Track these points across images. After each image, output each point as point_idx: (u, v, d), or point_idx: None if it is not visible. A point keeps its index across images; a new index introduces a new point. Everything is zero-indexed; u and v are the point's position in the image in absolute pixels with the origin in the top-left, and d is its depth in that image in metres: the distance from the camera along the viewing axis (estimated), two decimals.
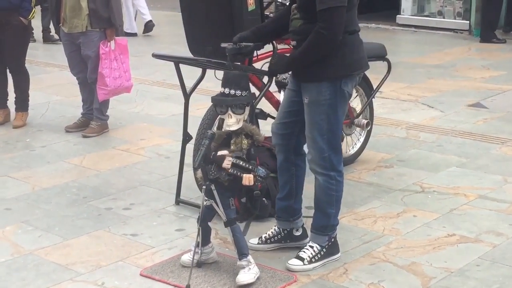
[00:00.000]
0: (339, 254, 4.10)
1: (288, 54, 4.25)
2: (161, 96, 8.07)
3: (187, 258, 4.07)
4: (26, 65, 7.01)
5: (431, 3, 12.13)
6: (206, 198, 3.87)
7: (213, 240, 4.22)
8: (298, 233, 4.27)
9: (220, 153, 3.89)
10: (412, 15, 12.27)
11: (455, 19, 11.76)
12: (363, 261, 4.10)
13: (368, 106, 5.71)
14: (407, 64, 9.36)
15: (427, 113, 7.16)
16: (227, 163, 3.84)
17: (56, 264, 4.17)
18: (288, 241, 4.27)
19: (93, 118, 6.69)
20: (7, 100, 7.07)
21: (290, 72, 4.41)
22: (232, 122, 3.88)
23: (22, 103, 6.99)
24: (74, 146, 6.35)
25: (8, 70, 6.96)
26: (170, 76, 8.81)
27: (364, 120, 5.57)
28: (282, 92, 5.15)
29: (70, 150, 6.23)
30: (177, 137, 6.48)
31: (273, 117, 5.25)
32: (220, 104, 3.90)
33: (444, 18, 11.89)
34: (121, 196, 5.18)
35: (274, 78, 4.63)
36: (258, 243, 4.27)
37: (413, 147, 6.10)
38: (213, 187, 3.85)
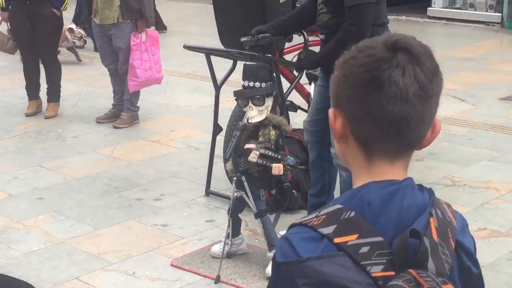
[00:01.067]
0: None
1: (313, 49, 4.27)
2: (191, 88, 8.09)
3: (217, 249, 4.09)
4: (59, 56, 7.08)
5: None
6: (237, 190, 3.89)
7: (243, 231, 4.24)
8: None
9: (247, 146, 3.90)
10: (443, 8, 12.16)
11: (487, 11, 11.64)
12: None
13: None
14: (438, 57, 9.01)
15: (458, 106, 7.10)
16: (253, 157, 3.84)
17: (87, 253, 4.22)
18: None
19: (123, 109, 6.73)
20: (39, 91, 7.14)
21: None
22: (254, 114, 3.89)
23: (54, 94, 7.05)
24: (105, 136, 6.40)
25: (40, 61, 7.02)
26: (199, 67, 8.83)
27: None
28: (312, 84, 5.16)
29: (101, 141, 6.28)
30: (207, 129, 6.51)
31: (303, 109, 5.26)
32: (240, 97, 3.93)
33: (475, 10, 11.76)
34: (152, 187, 5.21)
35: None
36: None
37: (444, 141, 6.05)
38: (243, 178, 3.86)
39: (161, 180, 5.35)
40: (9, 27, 6.92)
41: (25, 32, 6.73)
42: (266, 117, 3.91)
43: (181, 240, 4.37)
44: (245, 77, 3.90)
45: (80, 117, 6.98)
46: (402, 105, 1.24)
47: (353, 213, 1.24)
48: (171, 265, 4.05)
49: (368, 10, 3.67)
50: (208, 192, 5.02)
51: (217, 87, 4.93)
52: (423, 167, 5.44)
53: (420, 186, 1.33)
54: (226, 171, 4.41)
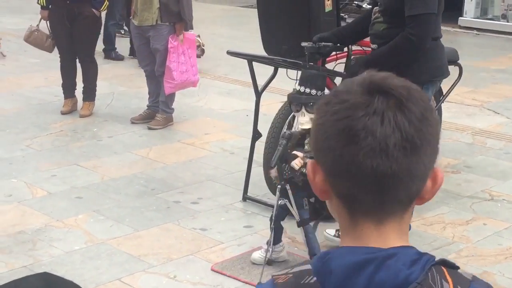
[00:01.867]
0: None
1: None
2: (223, 91, 8.12)
3: (257, 255, 4.11)
4: None
5: (495, 6, 11.96)
6: (281, 198, 3.90)
7: (282, 239, 4.25)
8: None
9: (295, 152, 3.92)
10: (474, 18, 12.11)
11: (508, 21, 11.59)
12: None
13: (437, 110, 5.67)
14: (470, 68, 9.23)
15: (493, 119, 7.08)
16: (296, 163, 3.86)
17: (128, 254, 4.25)
18: None
19: (158, 111, 6.77)
20: (75, 89, 7.20)
21: None
22: (305, 120, 3.91)
23: (90, 93, 7.11)
24: (140, 137, 6.45)
25: (77, 60, 7.08)
26: (231, 71, 8.87)
27: None
28: None
29: (136, 142, 6.33)
30: (241, 133, 6.55)
31: None
32: (295, 101, 3.94)
33: (508, 21, 11.71)
34: (188, 190, 5.24)
35: None
36: (335, 235, 4.28)
37: (480, 153, 6.04)
38: (287, 186, 3.88)
39: (197, 183, 5.38)
40: (49, 26, 6.97)
41: (64, 31, 6.80)
42: None
43: (220, 245, 4.39)
44: (303, 83, 3.93)
45: (114, 117, 7.02)
46: (381, 159, 1.06)
47: (313, 279, 1.09)
48: (212, 270, 4.07)
49: (429, 21, 3.68)
50: (245, 198, 5.04)
51: (258, 93, 4.95)
52: (460, 180, 5.43)
53: (417, 257, 1.09)
54: (268, 178, 4.44)
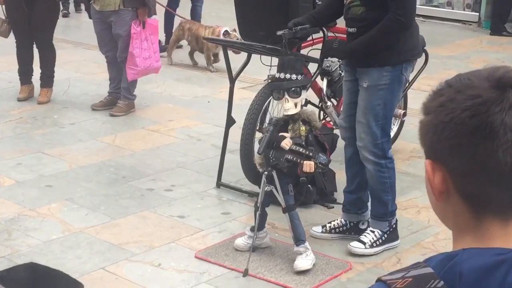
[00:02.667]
0: (398, 241, 4.16)
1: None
2: (181, 77, 8.05)
3: (241, 242, 4.12)
4: None
5: None
6: (267, 184, 3.91)
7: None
8: (363, 227, 4.27)
9: (281, 134, 3.92)
10: (420, 5, 12.29)
11: (464, 10, 11.83)
12: (414, 251, 4.17)
13: (403, 97, 5.75)
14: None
15: None
16: (286, 143, 3.86)
17: (108, 243, 4.20)
18: (352, 233, 4.28)
19: (120, 97, 6.68)
20: (32, 75, 7.04)
21: (339, 60, 4.44)
22: (290, 106, 3.91)
23: (48, 79, 6.96)
24: (103, 124, 6.35)
25: (34, 46, 6.92)
26: (186, 57, 8.81)
27: (400, 110, 5.62)
28: (324, 80, 5.20)
29: (100, 129, 6.23)
30: (205, 119, 6.53)
31: (314, 104, 5.30)
32: (277, 89, 3.94)
33: (453, 9, 11.95)
34: (160, 177, 5.20)
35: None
36: (322, 232, 4.29)
37: None
38: (274, 173, 3.89)
39: (168, 170, 5.34)
40: (4, 10, 6.79)
41: (22, 16, 6.62)
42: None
43: (200, 232, 4.38)
44: (282, 69, 3.92)
45: (73, 104, 6.90)
46: None
47: (441, 283, 1.04)
48: (196, 257, 4.06)
49: (414, 0, 3.76)
50: (219, 184, 5.03)
51: (232, 80, 4.93)
52: None
53: None
54: (248, 164, 4.43)
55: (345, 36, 4.88)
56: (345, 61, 4.18)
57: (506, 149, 1.04)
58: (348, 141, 4.19)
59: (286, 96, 3.91)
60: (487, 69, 1.11)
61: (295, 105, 3.91)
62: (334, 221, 4.34)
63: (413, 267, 1.09)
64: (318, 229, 4.30)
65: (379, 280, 1.11)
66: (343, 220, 4.31)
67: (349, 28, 4.07)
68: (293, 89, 3.89)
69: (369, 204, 4.31)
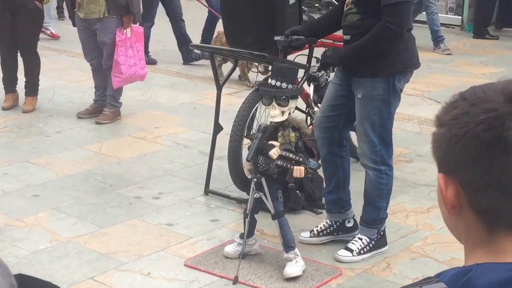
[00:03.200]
0: (386, 247, 4.17)
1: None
2: (167, 84, 8.04)
3: (230, 249, 4.11)
4: None
5: None
6: (256, 191, 3.91)
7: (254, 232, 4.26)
8: (350, 225, 4.30)
9: (271, 142, 3.92)
10: None
11: (447, 14, 11.89)
12: (403, 256, 4.18)
13: None
14: None
15: (436, 108, 7.06)
16: (274, 153, 3.86)
17: (97, 252, 4.18)
18: (340, 233, 4.30)
19: (106, 105, 6.66)
20: (17, 84, 7.00)
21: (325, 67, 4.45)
22: (276, 113, 3.92)
23: (33, 88, 6.92)
24: (89, 132, 6.32)
25: (19, 54, 6.88)
26: (171, 63, 8.80)
27: None
28: (311, 85, 5.21)
29: (86, 137, 6.21)
30: (192, 126, 6.52)
31: (301, 110, 5.31)
32: (265, 95, 3.95)
33: None
34: (148, 185, 5.18)
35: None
36: (310, 236, 4.30)
37: (429, 142, 6.05)
38: (263, 180, 3.89)
39: (156, 178, 5.32)
40: None
41: (5, 24, 6.58)
42: (286, 118, 3.94)
43: (189, 239, 4.36)
44: (274, 76, 3.92)
45: (59, 112, 6.86)
46: None
47: None
48: (185, 265, 4.04)
49: (407, 9, 3.74)
50: (208, 191, 5.01)
51: (219, 86, 4.92)
52: (414, 169, 5.55)
53: None
54: (236, 171, 4.43)
55: (330, 41, 4.92)
56: (339, 68, 4.18)
57: None
58: (322, 142, 4.19)
59: (274, 103, 3.91)
60: (502, 82, 1.11)
61: (282, 113, 3.92)
62: (320, 224, 4.35)
63: (425, 282, 1.08)
64: (306, 234, 4.31)
65: None
66: (328, 221, 4.33)
67: (344, 36, 4.07)
68: (282, 97, 3.89)
69: (356, 202, 4.34)
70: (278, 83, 3.92)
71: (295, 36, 4.05)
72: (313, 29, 4.14)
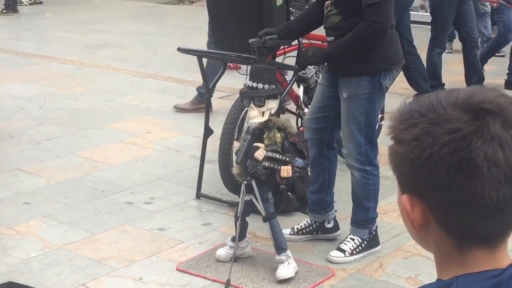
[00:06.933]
0: (379, 247, 4.16)
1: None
2: (157, 89, 8.03)
3: (222, 252, 4.09)
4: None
5: None
6: (246, 194, 3.89)
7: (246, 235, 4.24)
8: (329, 225, 4.33)
9: (256, 144, 3.91)
10: None
11: (426, 12, 11.90)
12: (396, 255, 4.17)
13: None
14: None
15: None
16: (259, 154, 3.85)
17: (89, 259, 4.16)
18: (319, 233, 4.33)
19: None
20: None
21: (315, 67, 4.44)
22: (255, 114, 3.91)
23: None
24: (80, 139, 6.30)
25: None
26: (162, 68, 8.80)
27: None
28: (301, 87, 5.20)
29: (77, 143, 6.18)
30: (183, 130, 6.51)
31: (291, 111, 5.30)
32: (242, 97, 3.95)
33: (426, 12, 12.01)
34: (139, 190, 5.16)
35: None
36: (290, 234, 4.32)
37: None
38: (253, 182, 3.87)
39: (147, 183, 5.30)
40: None
41: None
42: (270, 119, 3.93)
43: (181, 244, 4.34)
44: (251, 77, 3.92)
45: (49, 119, 6.84)
46: (508, 189, 0.99)
47: None
48: (177, 269, 4.02)
49: (389, 8, 3.74)
50: (199, 195, 5.00)
51: (209, 90, 4.91)
52: None
53: None
54: (227, 174, 4.42)
55: (319, 42, 4.91)
56: (325, 68, 4.17)
57: (491, 184, 0.99)
58: (312, 142, 4.20)
59: (252, 104, 3.90)
60: (460, 93, 1.04)
61: (262, 113, 3.90)
62: (301, 222, 4.36)
63: None
64: (287, 231, 4.30)
65: None
66: (309, 221, 4.35)
67: (328, 37, 4.07)
68: (257, 98, 3.88)
69: (338, 204, 4.35)
70: (255, 84, 3.91)
71: (268, 36, 4.04)
72: (287, 30, 4.13)
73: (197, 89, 7.03)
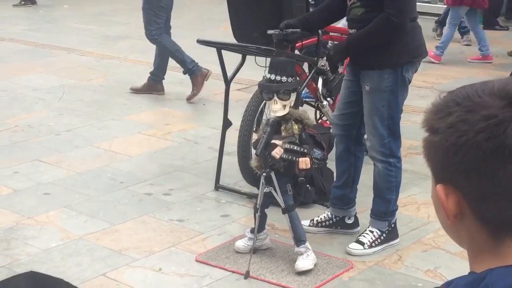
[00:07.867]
0: (398, 240, 4.16)
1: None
2: (175, 81, 8.02)
3: (241, 244, 4.10)
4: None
5: None
6: (266, 185, 3.90)
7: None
8: (350, 221, 4.32)
9: (273, 141, 3.91)
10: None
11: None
12: (415, 248, 4.16)
13: None
14: None
15: None
16: (276, 152, 3.85)
17: (108, 249, 4.19)
18: (339, 228, 4.33)
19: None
20: None
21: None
22: (278, 108, 3.90)
23: None
24: (99, 130, 6.33)
25: None
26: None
27: None
28: (320, 79, 5.20)
29: (96, 135, 6.21)
30: (201, 122, 6.53)
31: (309, 104, 5.30)
32: (266, 90, 3.94)
33: (437, 3, 11.95)
34: (158, 182, 5.18)
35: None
36: (309, 225, 4.33)
37: None
38: (272, 174, 3.88)
39: (166, 174, 5.33)
40: None
41: None
42: (287, 111, 3.93)
43: (200, 235, 4.36)
44: (273, 70, 3.91)
45: (69, 110, 6.88)
46: None
47: None
48: (197, 260, 4.04)
49: (409, 1, 3.74)
50: (218, 187, 5.01)
51: (227, 82, 4.92)
52: (424, 161, 5.51)
53: None
54: (246, 166, 4.42)
55: (338, 34, 4.91)
56: (349, 62, 4.17)
57: None
58: (340, 139, 4.20)
59: (275, 97, 3.90)
60: (495, 83, 1.05)
61: (284, 106, 3.90)
62: (321, 215, 4.36)
63: None
64: (306, 222, 4.30)
65: None
66: (329, 214, 4.34)
67: (350, 30, 4.06)
68: (282, 91, 3.88)
69: (365, 200, 4.34)
70: (278, 77, 3.90)
71: (290, 30, 4.03)
72: (306, 22, 4.13)
73: (150, 73, 7.41)
